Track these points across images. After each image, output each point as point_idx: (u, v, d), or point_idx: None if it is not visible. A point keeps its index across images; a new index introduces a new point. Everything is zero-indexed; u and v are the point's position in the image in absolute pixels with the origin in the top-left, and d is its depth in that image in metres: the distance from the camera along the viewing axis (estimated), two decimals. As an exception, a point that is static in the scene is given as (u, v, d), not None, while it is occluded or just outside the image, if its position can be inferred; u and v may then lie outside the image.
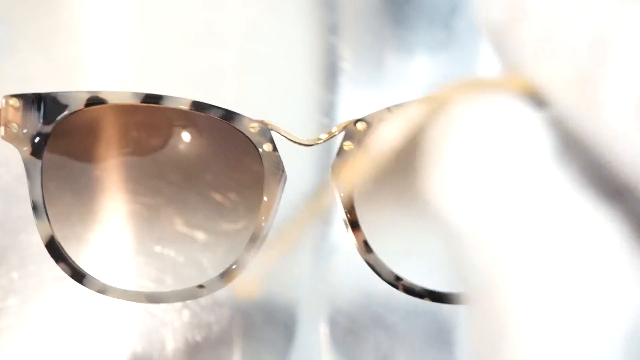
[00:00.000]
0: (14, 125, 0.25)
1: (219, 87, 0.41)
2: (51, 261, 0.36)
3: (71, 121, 0.26)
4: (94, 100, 0.26)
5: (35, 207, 0.26)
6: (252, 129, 0.27)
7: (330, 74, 0.42)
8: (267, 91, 0.41)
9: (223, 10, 0.42)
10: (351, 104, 0.41)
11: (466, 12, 0.43)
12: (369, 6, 0.44)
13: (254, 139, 0.27)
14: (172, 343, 0.34)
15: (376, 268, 0.28)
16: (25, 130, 0.25)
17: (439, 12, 0.43)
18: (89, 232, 0.28)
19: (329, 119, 0.41)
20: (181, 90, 0.42)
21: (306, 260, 0.37)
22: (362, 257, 0.27)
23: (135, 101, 0.26)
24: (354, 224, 0.27)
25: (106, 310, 0.35)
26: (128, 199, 0.27)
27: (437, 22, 0.43)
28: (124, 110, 0.27)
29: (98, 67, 0.41)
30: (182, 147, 0.28)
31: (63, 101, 0.26)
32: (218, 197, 0.28)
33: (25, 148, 0.25)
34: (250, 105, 0.41)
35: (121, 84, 0.41)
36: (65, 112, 0.26)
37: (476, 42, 0.43)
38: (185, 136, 0.28)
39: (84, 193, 0.28)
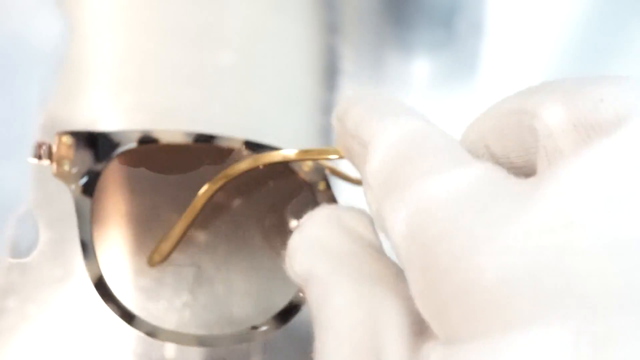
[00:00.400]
0: (66, 162, 0.25)
1: (219, 87, 0.41)
2: (51, 261, 0.36)
3: (123, 159, 0.26)
4: (146, 139, 0.26)
5: (84, 246, 0.25)
6: (305, 168, 0.27)
7: (330, 74, 0.42)
8: (268, 91, 0.41)
9: (223, 10, 0.42)
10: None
11: (466, 12, 0.43)
12: (369, 6, 0.44)
13: (308, 178, 0.27)
14: (172, 343, 0.34)
15: None
16: (76, 168, 0.25)
17: (439, 12, 0.43)
18: (139, 272, 0.26)
19: (329, 119, 0.41)
20: (181, 90, 0.42)
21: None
22: None
23: (187, 140, 0.26)
24: None
25: (106, 311, 0.35)
26: (182, 242, 0.27)
27: (437, 22, 0.43)
28: (175, 149, 0.26)
29: (98, 67, 0.41)
30: (233, 186, 0.27)
31: (115, 139, 0.25)
32: (271, 236, 0.27)
33: (76, 186, 0.25)
34: (251, 105, 0.41)
35: (121, 84, 0.41)
36: (117, 150, 0.25)
37: (476, 42, 0.43)
38: (240, 179, 0.27)
39: (134, 232, 0.27)
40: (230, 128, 0.39)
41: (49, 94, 0.18)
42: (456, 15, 0.42)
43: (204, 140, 0.26)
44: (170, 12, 0.42)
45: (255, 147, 0.26)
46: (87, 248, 0.25)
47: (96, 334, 0.35)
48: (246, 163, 0.25)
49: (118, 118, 0.39)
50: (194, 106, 0.40)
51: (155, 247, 0.26)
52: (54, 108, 0.39)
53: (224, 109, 0.40)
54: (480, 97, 0.41)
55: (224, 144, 0.26)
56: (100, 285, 0.25)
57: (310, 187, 0.27)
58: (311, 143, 0.39)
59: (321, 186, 0.27)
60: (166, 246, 0.25)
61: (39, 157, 0.25)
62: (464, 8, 0.43)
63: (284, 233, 0.27)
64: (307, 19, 0.43)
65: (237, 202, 0.27)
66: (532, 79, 0.21)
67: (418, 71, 0.42)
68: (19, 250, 0.22)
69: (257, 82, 0.41)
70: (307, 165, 0.26)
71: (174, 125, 0.40)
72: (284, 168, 0.27)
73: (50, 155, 0.25)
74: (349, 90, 0.41)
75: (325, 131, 0.40)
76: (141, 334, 0.35)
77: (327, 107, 0.41)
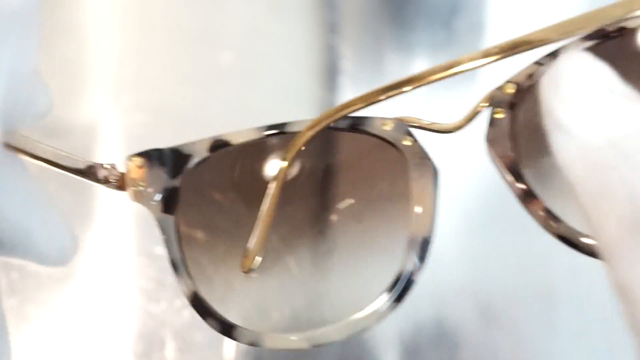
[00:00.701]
0: (140, 184, 0.24)
1: (219, 87, 0.41)
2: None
3: (199, 171, 0.24)
4: (218, 145, 0.24)
5: (174, 265, 0.24)
6: (385, 128, 0.24)
7: (330, 74, 0.42)
8: (267, 91, 0.41)
9: (223, 10, 0.42)
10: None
11: (466, 12, 0.43)
12: (369, 6, 0.44)
13: (390, 137, 0.24)
14: (172, 343, 0.34)
15: (570, 238, 0.23)
16: (152, 188, 0.24)
17: (439, 12, 0.43)
18: (233, 281, 0.25)
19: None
20: (181, 90, 0.42)
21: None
22: (549, 230, 0.23)
23: (259, 135, 0.24)
24: (529, 194, 0.23)
25: (106, 311, 0.35)
26: (269, 238, 0.25)
27: (437, 22, 0.43)
28: (250, 147, 0.25)
29: (98, 67, 0.41)
30: (317, 170, 0.25)
31: (186, 151, 0.24)
32: (364, 207, 0.25)
33: (156, 206, 0.24)
34: (251, 105, 0.41)
35: (121, 84, 0.41)
36: (191, 162, 0.24)
37: (476, 42, 0.43)
38: (319, 158, 0.25)
39: (223, 241, 0.25)
40: (230, 128, 0.39)
41: (26, 62, 0.17)
42: (456, 15, 0.42)
43: (277, 131, 0.25)
44: (170, 12, 0.42)
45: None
46: (177, 266, 0.24)
47: (96, 334, 0.35)
48: (325, 118, 0.23)
49: (118, 118, 0.39)
50: (194, 106, 0.40)
51: (244, 252, 0.24)
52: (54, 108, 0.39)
53: (224, 109, 0.40)
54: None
55: (297, 128, 0.25)
56: (196, 301, 0.24)
57: (394, 145, 0.24)
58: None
59: (407, 141, 0.24)
60: (254, 247, 0.24)
61: (106, 182, 0.24)
62: (464, 8, 0.43)
63: (379, 200, 0.25)
64: (307, 19, 0.43)
65: (317, 181, 0.26)
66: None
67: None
68: (55, 257, 0.21)
69: (257, 82, 0.41)
70: (386, 123, 0.24)
71: (173, 125, 0.40)
72: (359, 133, 0.24)
73: (122, 181, 0.24)
74: (349, 90, 0.41)
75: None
76: (141, 334, 0.35)
77: (327, 107, 0.41)
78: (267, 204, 0.24)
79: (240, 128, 0.24)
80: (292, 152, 0.23)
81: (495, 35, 0.43)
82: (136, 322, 0.35)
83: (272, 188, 0.23)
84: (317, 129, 0.23)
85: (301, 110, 0.41)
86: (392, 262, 0.24)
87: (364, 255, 0.25)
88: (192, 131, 0.36)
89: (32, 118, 0.19)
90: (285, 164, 0.23)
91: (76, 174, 0.23)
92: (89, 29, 0.42)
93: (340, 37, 0.42)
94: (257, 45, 0.42)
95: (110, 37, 0.42)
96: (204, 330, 0.34)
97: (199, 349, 0.34)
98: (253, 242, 0.24)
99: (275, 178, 0.23)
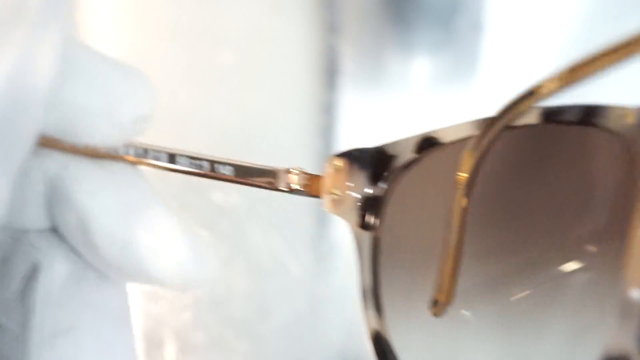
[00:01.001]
0: (337, 191, 0.19)
1: (219, 87, 0.41)
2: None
3: (405, 176, 0.20)
4: (426, 143, 0.19)
5: (363, 294, 0.19)
6: (625, 120, 0.16)
7: (330, 74, 0.42)
8: (267, 91, 0.41)
9: (223, 10, 0.42)
10: (351, 104, 0.41)
11: (466, 12, 0.43)
12: (369, 6, 0.44)
13: (630, 134, 0.16)
14: (172, 343, 0.34)
15: None
16: (352, 197, 0.19)
17: (439, 12, 0.43)
18: (425, 326, 0.19)
19: (329, 119, 0.41)
20: (181, 90, 0.42)
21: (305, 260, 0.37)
22: None
23: (476, 130, 0.18)
24: None
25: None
26: (481, 274, 0.19)
27: (437, 22, 0.43)
28: (463, 147, 0.18)
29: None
30: (510, 179, 0.19)
31: (390, 151, 0.19)
32: (585, 237, 0.18)
33: (353, 218, 0.19)
34: (251, 105, 0.41)
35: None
36: (395, 166, 0.19)
37: (476, 42, 0.43)
38: (514, 161, 0.19)
39: (426, 272, 0.19)
40: (230, 128, 0.39)
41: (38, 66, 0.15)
42: (456, 15, 0.42)
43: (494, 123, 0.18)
44: (170, 11, 0.42)
45: (558, 112, 0.17)
46: (366, 295, 0.19)
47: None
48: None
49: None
50: (194, 106, 0.40)
51: (435, 288, 0.19)
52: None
53: (224, 109, 0.40)
54: (480, 97, 0.41)
55: (524, 122, 0.18)
56: (378, 342, 0.19)
57: (633, 146, 0.16)
58: (311, 143, 0.39)
59: None
60: (441, 285, 0.18)
61: (289, 189, 0.20)
62: (464, 8, 0.43)
63: (609, 229, 0.18)
64: (307, 19, 0.43)
65: (523, 192, 0.20)
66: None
67: (418, 71, 0.42)
68: (171, 278, 0.18)
69: (257, 82, 0.41)
70: (628, 113, 0.17)
71: (173, 125, 0.40)
72: (582, 126, 0.17)
73: (315, 187, 0.20)
74: (349, 90, 0.41)
75: (325, 131, 0.40)
76: (141, 334, 0.35)
77: (327, 107, 0.41)
78: (452, 226, 0.18)
79: (455, 122, 0.19)
80: (478, 153, 0.17)
81: (495, 35, 0.43)
82: (136, 322, 0.35)
83: (456, 208, 0.18)
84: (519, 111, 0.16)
85: (301, 110, 0.41)
86: (604, 332, 0.16)
87: (564, 315, 0.19)
88: (192, 131, 0.37)
89: (118, 126, 0.18)
90: (468, 170, 0.17)
91: (250, 185, 0.20)
92: (88, 28, 0.42)
93: (340, 37, 0.42)
94: (257, 45, 0.42)
95: (111, 37, 0.42)
96: (204, 331, 0.34)
97: (199, 349, 0.34)
98: (441, 277, 0.18)
99: (456, 193, 0.18)
